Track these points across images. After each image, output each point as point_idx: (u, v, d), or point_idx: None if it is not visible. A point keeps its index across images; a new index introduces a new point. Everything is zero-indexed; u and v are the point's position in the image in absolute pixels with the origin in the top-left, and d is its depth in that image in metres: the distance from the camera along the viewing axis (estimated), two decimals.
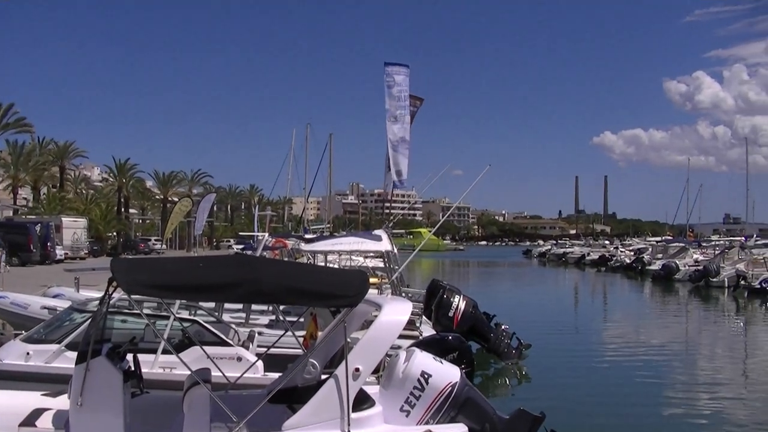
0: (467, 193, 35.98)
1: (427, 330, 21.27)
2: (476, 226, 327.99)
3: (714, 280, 62.82)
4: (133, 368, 9.11)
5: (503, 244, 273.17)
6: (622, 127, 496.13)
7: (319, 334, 10.78)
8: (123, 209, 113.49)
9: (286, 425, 8.14)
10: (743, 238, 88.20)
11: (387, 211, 47.34)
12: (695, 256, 79.39)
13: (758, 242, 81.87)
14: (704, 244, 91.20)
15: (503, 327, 24.37)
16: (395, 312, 8.87)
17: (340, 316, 9.02)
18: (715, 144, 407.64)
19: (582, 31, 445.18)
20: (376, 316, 8.80)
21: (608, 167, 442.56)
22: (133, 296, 8.43)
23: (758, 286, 55.18)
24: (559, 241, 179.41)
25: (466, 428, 8.78)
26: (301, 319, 13.25)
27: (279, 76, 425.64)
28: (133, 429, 8.39)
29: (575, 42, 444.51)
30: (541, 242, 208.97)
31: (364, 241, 25.67)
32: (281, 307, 16.42)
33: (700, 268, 67.65)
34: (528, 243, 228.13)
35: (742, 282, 58.46)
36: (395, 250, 25.96)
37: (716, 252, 75.92)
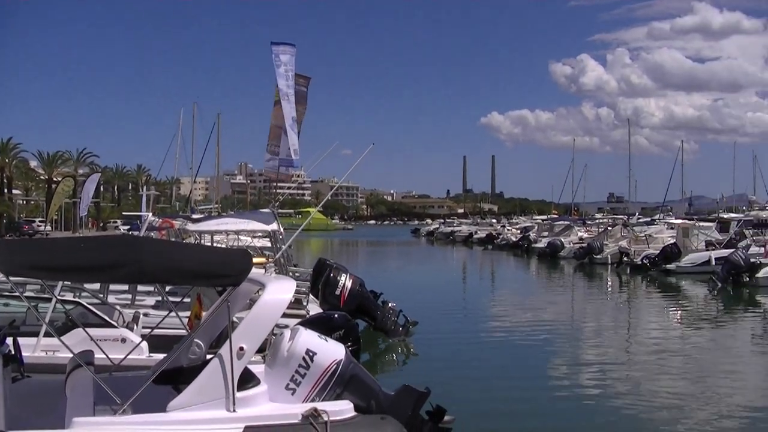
0: (354, 172, 36.13)
1: (314, 309, 21.30)
2: (365, 206, 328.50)
3: (598, 257, 64.52)
4: (13, 352, 8.96)
5: (392, 223, 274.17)
6: (509, 107, 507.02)
7: (204, 314, 10.72)
8: (6, 190, 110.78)
9: (171, 406, 8.10)
10: (625, 216, 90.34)
11: (274, 191, 47.14)
12: (580, 234, 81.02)
13: (640, 220, 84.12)
14: (589, 223, 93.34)
15: (390, 305, 24.54)
16: (279, 290, 8.87)
17: (224, 295, 9.00)
18: (599, 125, 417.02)
19: (470, 14, 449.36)
20: (260, 294, 8.80)
21: (496, 147, 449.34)
22: (12, 278, 8.27)
23: (640, 263, 56.54)
24: (447, 220, 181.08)
25: (352, 405, 8.84)
26: (186, 299, 13.17)
27: (166, 54, 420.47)
28: (14, 414, 8.24)
29: (463, 24, 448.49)
30: (429, 221, 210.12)
31: (251, 221, 25.62)
32: (167, 288, 16.29)
33: (585, 245, 69.33)
34: (416, 222, 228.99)
35: (625, 258, 60.06)
36: (282, 230, 25.95)
37: (600, 230, 77.79)
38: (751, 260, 44.04)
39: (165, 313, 11.97)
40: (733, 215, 75.31)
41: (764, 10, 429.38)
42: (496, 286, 55.10)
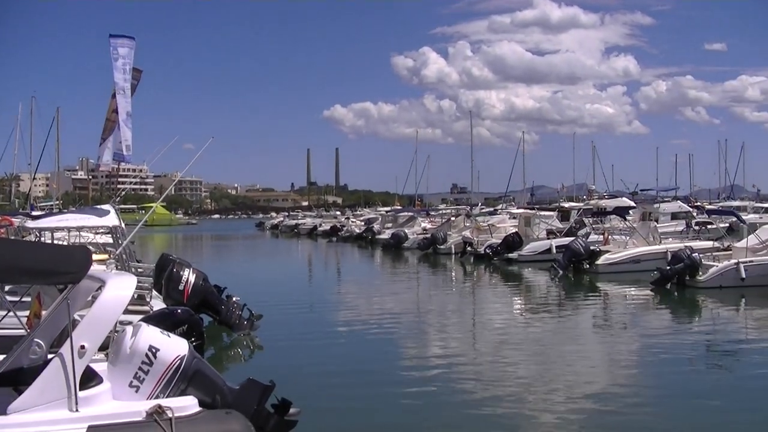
0: (198, 167, 36.24)
1: (158, 304, 21.01)
2: (209, 200, 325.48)
3: (442, 247, 65.16)
4: None
5: (236, 217, 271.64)
6: (352, 100, 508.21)
7: (44, 312, 10.55)
8: None
9: (11, 408, 7.96)
10: (469, 206, 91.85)
11: (116, 186, 46.42)
12: (423, 225, 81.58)
13: (483, 210, 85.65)
14: (432, 213, 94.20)
15: (234, 299, 24.42)
16: (119, 287, 8.80)
17: (63, 293, 8.88)
18: (441, 117, 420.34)
19: (313, 7, 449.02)
20: (100, 292, 8.71)
21: (339, 140, 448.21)
22: None
23: (483, 252, 57.42)
24: (292, 213, 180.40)
25: (197, 400, 8.85)
26: (26, 298, 12.90)
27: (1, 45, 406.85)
28: None
29: (305, 17, 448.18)
30: (273, 214, 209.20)
31: (91, 217, 25.16)
32: (6, 288, 15.91)
33: (428, 236, 69.72)
34: (261, 216, 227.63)
35: (468, 248, 60.77)
36: (123, 225, 25.60)
37: (443, 220, 78.80)
38: (591, 248, 45.43)
39: (3, 313, 11.69)
40: (573, 204, 77.43)
41: (601, 5, 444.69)
42: (341, 278, 55.24)
